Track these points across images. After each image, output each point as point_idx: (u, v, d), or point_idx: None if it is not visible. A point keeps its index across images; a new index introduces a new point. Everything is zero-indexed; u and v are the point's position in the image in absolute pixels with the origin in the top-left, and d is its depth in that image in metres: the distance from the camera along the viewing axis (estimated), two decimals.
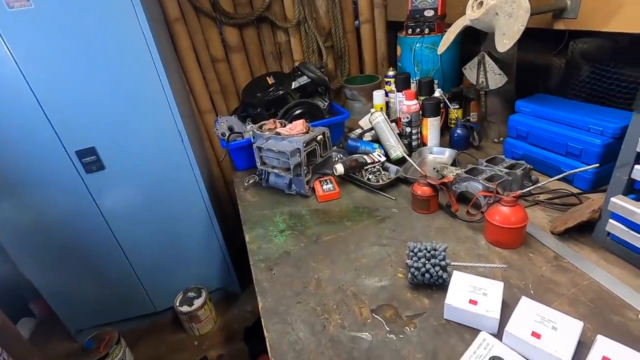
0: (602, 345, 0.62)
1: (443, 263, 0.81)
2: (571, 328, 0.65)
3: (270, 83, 1.70)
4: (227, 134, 1.58)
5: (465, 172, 1.12)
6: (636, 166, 0.77)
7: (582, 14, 1.08)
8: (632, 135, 0.76)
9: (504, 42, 1.09)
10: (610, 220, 0.83)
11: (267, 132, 1.35)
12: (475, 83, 1.38)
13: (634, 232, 0.78)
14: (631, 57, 1.11)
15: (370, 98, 1.81)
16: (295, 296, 0.88)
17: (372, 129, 1.53)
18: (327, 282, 0.91)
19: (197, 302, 1.91)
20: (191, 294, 1.95)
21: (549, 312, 0.69)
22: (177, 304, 1.91)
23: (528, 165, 1.12)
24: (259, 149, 1.33)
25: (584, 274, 0.82)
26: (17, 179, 1.48)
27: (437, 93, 1.50)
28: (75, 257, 1.71)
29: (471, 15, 1.18)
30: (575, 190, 1.09)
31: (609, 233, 0.85)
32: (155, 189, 1.69)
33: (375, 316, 0.80)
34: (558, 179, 0.90)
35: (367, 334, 0.76)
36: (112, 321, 1.95)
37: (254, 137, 1.38)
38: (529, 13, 1.03)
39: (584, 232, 0.92)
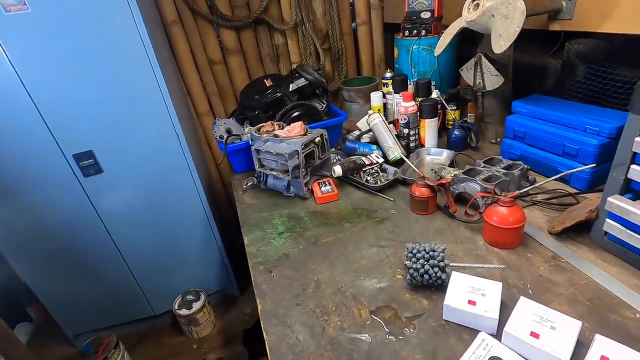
0: (601, 344, 0.62)
1: (442, 264, 0.82)
2: (569, 327, 0.66)
3: (267, 85, 1.71)
4: (225, 137, 1.58)
5: (463, 173, 1.12)
6: (632, 166, 0.77)
7: (577, 15, 1.09)
8: (628, 135, 0.76)
9: (501, 44, 1.10)
10: (607, 220, 0.84)
11: (265, 135, 1.35)
12: (472, 84, 1.39)
13: (630, 232, 0.79)
14: (626, 57, 1.12)
15: (367, 100, 1.81)
16: (295, 298, 0.88)
17: (370, 130, 1.53)
18: (326, 284, 0.91)
19: (196, 305, 1.90)
20: (190, 297, 1.94)
21: (548, 311, 0.69)
22: (176, 307, 1.91)
23: (525, 166, 1.13)
24: (257, 151, 1.33)
25: (582, 274, 0.82)
26: (14, 183, 1.48)
27: (435, 94, 1.51)
28: (73, 260, 1.70)
29: (467, 17, 1.18)
30: (573, 190, 1.09)
31: (606, 232, 0.86)
32: (154, 192, 1.69)
33: (375, 317, 0.80)
34: (555, 179, 0.90)
35: (366, 335, 0.76)
36: (110, 325, 1.94)
37: (252, 140, 1.38)
38: (524, 15, 1.04)
39: (581, 231, 0.92)
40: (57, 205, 1.57)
